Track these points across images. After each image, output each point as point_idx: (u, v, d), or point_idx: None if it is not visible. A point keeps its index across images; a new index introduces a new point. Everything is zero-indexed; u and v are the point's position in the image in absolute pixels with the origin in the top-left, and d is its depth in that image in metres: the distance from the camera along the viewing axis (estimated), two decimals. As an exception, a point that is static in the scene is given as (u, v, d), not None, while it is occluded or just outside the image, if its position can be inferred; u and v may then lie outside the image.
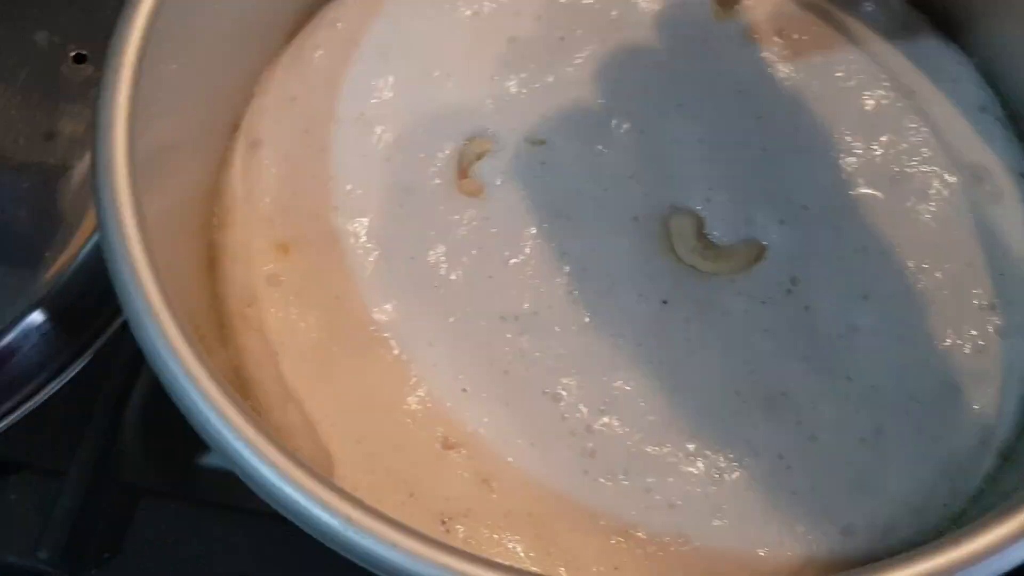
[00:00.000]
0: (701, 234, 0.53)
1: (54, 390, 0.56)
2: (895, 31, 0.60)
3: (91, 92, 0.60)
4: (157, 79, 0.48)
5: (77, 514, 0.56)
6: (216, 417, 0.38)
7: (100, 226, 0.41)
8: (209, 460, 0.63)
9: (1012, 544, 0.38)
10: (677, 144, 0.55)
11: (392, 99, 0.57)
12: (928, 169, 0.55)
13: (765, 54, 0.58)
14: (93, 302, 0.57)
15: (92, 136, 0.43)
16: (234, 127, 0.57)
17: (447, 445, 0.48)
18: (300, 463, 0.38)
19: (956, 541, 0.39)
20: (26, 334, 0.55)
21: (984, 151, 0.56)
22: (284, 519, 0.58)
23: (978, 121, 0.57)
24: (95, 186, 0.42)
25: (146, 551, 0.57)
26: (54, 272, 0.56)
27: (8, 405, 0.55)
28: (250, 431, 0.38)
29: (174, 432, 0.63)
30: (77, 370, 0.56)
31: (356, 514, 0.37)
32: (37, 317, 0.55)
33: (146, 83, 0.46)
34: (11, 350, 0.55)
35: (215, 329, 0.52)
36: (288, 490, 0.37)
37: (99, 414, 0.59)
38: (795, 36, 0.59)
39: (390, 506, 0.46)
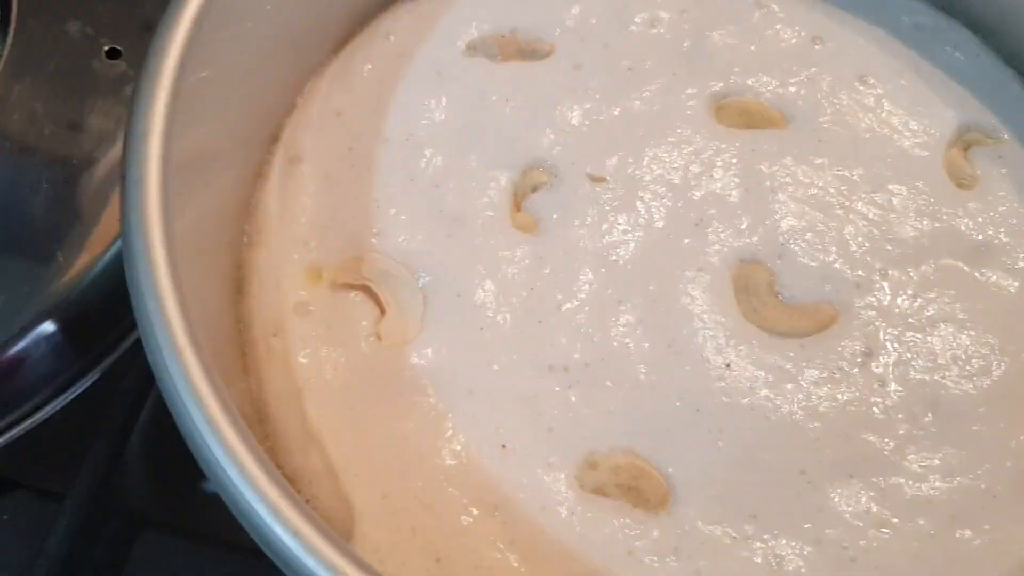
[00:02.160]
0: (772, 291, 0.49)
1: (59, 406, 0.52)
2: (982, 85, 0.56)
3: (123, 90, 0.57)
4: (196, 86, 0.44)
5: (73, 542, 0.52)
6: (241, 481, 0.34)
7: (125, 248, 0.38)
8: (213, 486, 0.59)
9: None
10: (750, 193, 0.51)
11: (444, 121, 0.53)
12: (1016, 242, 0.51)
13: (845, 100, 0.54)
14: (107, 315, 0.53)
15: (124, 146, 0.39)
16: (273, 139, 0.54)
17: (481, 507, 0.44)
18: (334, 541, 0.34)
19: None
20: (35, 344, 0.51)
21: (1076, 223, 0.52)
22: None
23: (1070, 190, 0.53)
24: (123, 203, 0.38)
25: (144, 588, 0.54)
26: (69, 279, 0.52)
27: (10, 419, 0.51)
28: (284, 505, 0.34)
29: (178, 458, 0.60)
30: (85, 387, 0.52)
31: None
32: (48, 327, 0.51)
33: (184, 91, 0.43)
34: (18, 360, 0.51)
35: (237, 357, 0.48)
36: (311, 564, 0.33)
37: (104, 435, 0.55)
38: (878, 86, 0.55)
39: (415, 571, 0.42)
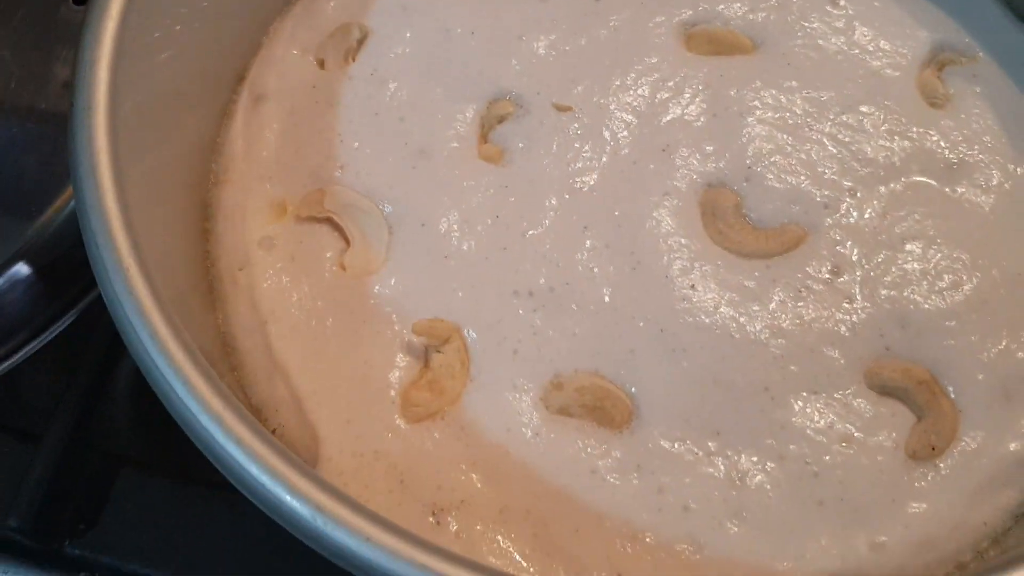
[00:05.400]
0: (739, 213, 0.48)
1: (35, 349, 0.52)
2: (956, 4, 0.55)
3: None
4: (154, 20, 0.44)
5: (51, 481, 0.52)
6: (181, 388, 0.34)
7: (73, 179, 0.38)
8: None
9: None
10: (716, 118, 0.50)
11: (409, 55, 0.53)
12: (989, 159, 0.50)
13: (816, 24, 0.53)
14: (81, 258, 0.53)
15: (73, 74, 0.39)
16: (239, 79, 0.54)
17: (445, 431, 0.44)
18: (270, 442, 0.34)
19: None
20: (10, 286, 0.52)
21: (1052, 141, 0.51)
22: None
23: (1046, 108, 0.52)
24: (71, 133, 0.38)
25: (124, 524, 0.54)
26: (42, 222, 0.53)
27: (-14, 362, 0.52)
28: (217, 404, 0.34)
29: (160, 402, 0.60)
30: (61, 329, 0.53)
31: (328, 503, 0.33)
32: (22, 269, 0.52)
33: (140, 22, 0.43)
34: (-8, 303, 0.51)
35: (205, 293, 0.48)
36: (253, 471, 0.33)
37: (81, 377, 0.55)
38: (849, 7, 0.54)
39: (378, 493, 0.42)
